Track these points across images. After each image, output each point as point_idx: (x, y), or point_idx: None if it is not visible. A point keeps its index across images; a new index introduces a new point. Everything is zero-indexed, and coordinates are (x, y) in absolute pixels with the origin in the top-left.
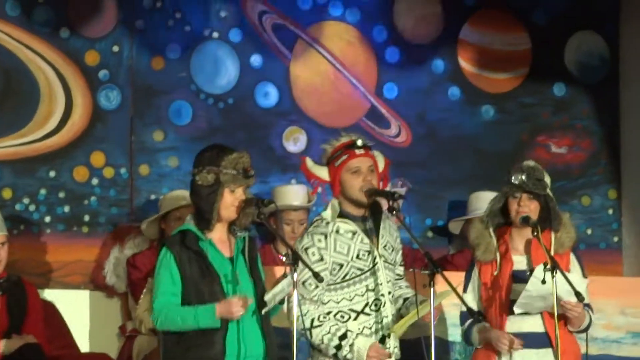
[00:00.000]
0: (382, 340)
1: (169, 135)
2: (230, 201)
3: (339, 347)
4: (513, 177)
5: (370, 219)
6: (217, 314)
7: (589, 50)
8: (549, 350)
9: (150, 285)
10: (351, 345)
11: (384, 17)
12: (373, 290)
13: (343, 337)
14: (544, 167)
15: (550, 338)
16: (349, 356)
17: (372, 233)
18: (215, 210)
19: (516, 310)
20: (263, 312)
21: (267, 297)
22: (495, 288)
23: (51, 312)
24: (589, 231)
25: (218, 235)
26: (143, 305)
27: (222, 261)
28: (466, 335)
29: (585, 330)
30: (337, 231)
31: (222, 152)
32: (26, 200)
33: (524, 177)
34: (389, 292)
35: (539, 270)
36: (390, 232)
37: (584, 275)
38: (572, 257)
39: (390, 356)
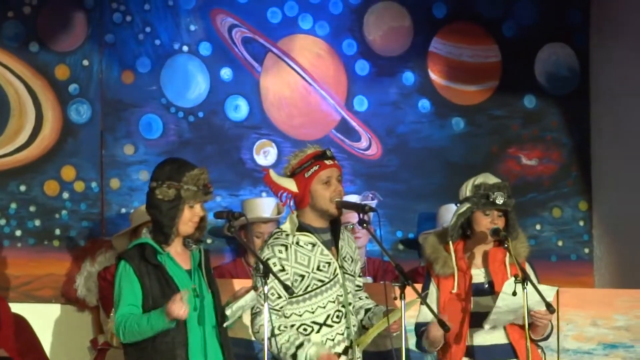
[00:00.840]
0: (345, 352)
1: (140, 149)
2: (188, 217)
3: (294, 356)
4: (497, 198)
5: (329, 230)
6: (167, 315)
7: (559, 62)
8: None
9: None
10: (306, 354)
11: (353, 30)
12: (334, 301)
13: (300, 346)
14: (514, 179)
15: (514, 349)
16: None
17: (332, 245)
18: (175, 225)
19: (486, 327)
20: (225, 325)
21: (228, 311)
22: (455, 302)
23: (22, 326)
24: (560, 243)
25: (175, 248)
26: (114, 319)
27: (181, 274)
28: (419, 344)
29: (546, 338)
30: (297, 243)
31: (183, 167)
32: None
33: (505, 197)
34: (350, 303)
35: (508, 286)
36: (348, 243)
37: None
38: (528, 267)
39: None
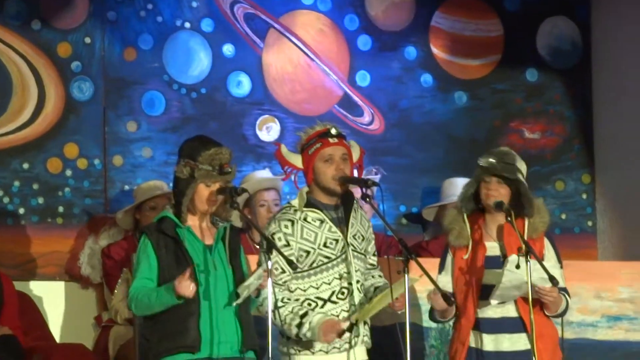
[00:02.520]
0: (350, 329)
1: (142, 125)
2: (206, 195)
3: (300, 325)
4: (482, 161)
5: (340, 208)
6: (174, 291)
7: (561, 35)
8: (523, 335)
9: (126, 275)
10: (310, 322)
11: (355, 5)
12: (340, 278)
13: (304, 315)
14: (517, 152)
15: (524, 322)
16: (308, 334)
17: (342, 222)
18: (185, 203)
19: (493, 302)
20: (234, 304)
21: (239, 289)
22: (467, 273)
23: (27, 303)
24: (563, 216)
25: (198, 223)
26: (118, 296)
27: (198, 248)
28: (431, 313)
29: (563, 314)
30: (305, 219)
31: (201, 145)
32: (0, 192)
33: (492, 160)
34: (358, 281)
35: (511, 263)
36: (361, 221)
37: (559, 259)
38: (546, 242)
39: (343, 329)
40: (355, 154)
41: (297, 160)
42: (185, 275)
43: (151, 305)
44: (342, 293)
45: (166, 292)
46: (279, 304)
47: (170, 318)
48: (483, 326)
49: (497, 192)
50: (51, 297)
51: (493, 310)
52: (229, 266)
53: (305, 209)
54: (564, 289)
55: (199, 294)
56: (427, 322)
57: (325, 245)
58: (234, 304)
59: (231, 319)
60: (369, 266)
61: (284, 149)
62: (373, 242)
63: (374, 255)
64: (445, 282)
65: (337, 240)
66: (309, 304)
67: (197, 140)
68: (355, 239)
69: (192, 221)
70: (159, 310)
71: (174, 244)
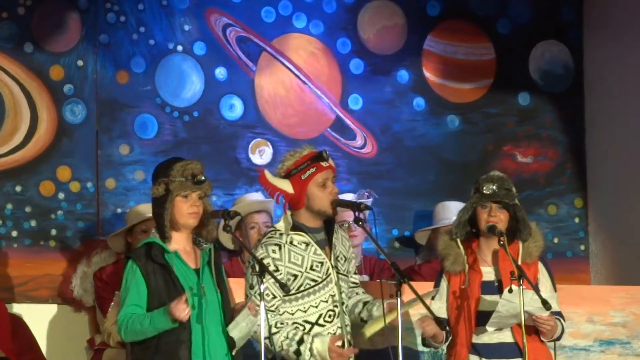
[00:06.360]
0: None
1: (135, 148)
2: (185, 208)
3: (298, 353)
4: (484, 188)
5: (322, 230)
6: (169, 315)
7: (554, 59)
8: None
9: (118, 298)
10: (310, 350)
11: (347, 29)
12: (327, 301)
13: (300, 341)
14: (510, 176)
15: (519, 348)
16: None
17: (325, 244)
18: (166, 219)
19: (489, 329)
20: (234, 352)
21: (229, 328)
22: (463, 299)
23: (19, 326)
24: (556, 240)
25: (183, 246)
26: (111, 319)
27: (187, 273)
28: (424, 339)
29: (559, 339)
30: (291, 242)
31: (172, 162)
32: None
33: (495, 187)
34: (343, 303)
35: (508, 293)
36: (342, 242)
37: (553, 284)
38: (541, 266)
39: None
40: None
41: (283, 185)
42: (182, 299)
43: (144, 331)
44: (330, 316)
45: (160, 316)
46: (273, 329)
47: (161, 345)
48: (480, 351)
49: (497, 217)
50: (44, 320)
51: (489, 336)
52: (217, 290)
53: (291, 232)
54: (559, 313)
55: (191, 320)
56: (419, 346)
57: (311, 268)
58: (234, 352)
59: (222, 342)
60: (351, 284)
61: (268, 174)
62: (353, 261)
63: (355, 273)
64: (438, 307)
65: (322, 263)
66: (296, 328)
67: (167, 161)
68: (338, 260)
69: (178, 243)
70: (151, 336)
71: (163, 270)
